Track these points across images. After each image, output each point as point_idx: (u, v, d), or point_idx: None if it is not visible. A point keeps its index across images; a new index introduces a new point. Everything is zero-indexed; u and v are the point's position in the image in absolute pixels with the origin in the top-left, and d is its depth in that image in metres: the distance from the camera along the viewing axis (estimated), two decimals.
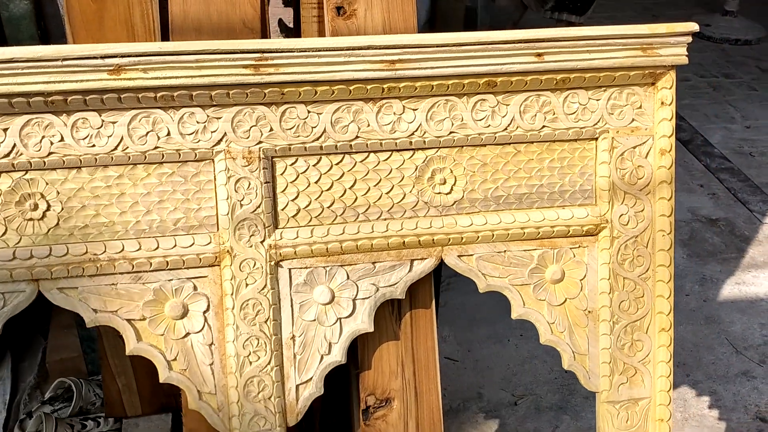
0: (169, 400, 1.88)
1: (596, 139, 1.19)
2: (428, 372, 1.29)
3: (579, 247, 1.23)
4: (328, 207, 1.15)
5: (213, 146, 1.09)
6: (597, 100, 1.17)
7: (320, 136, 1.11)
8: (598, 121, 1.18)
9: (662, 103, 1.18)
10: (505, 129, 1.16)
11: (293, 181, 1.13)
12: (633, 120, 1.19)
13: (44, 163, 1.05)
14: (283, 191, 1.13)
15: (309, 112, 1.10)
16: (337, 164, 1.14)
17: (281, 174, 1.12)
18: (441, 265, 2.31)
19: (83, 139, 1.05)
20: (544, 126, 1.17)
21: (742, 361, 2.32)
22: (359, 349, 1.26)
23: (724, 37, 4.86)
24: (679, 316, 2.49)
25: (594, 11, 5.03)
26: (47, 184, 1.06)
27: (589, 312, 1.24)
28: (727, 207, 3.14)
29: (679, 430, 2.07)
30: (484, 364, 2.26)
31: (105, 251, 1.09)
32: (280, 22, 1.63)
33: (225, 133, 1.08)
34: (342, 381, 1.43)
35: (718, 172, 3.40)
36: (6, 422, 1.88)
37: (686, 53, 1.15)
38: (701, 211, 3.11)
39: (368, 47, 1.07)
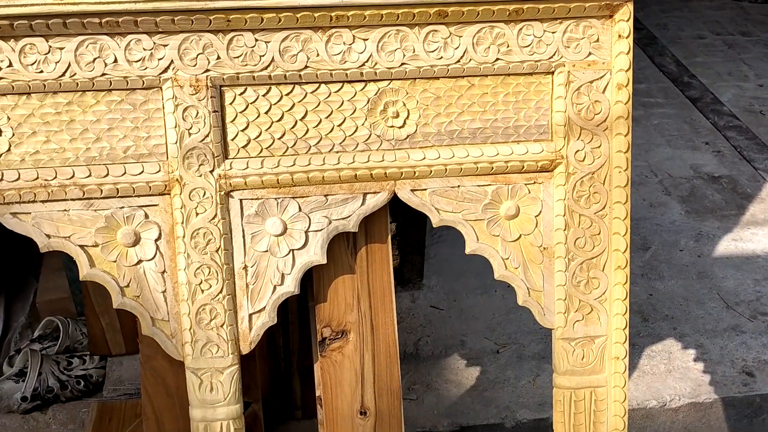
0: None
1: (552, 73, 1.17)
2: (384, 306, 1.30)
3: (534, 183, 1.22)
4: (279, 138, 1.15)
5: (160, 74, 1.09)
6: (552, 32, 1.15)
7: (268, 65, 1.11)
8: (554, 55, 1.16)
9: (619, 36, 1.16)
10: (458, 61, 1.15)
11: (242, 111, 1.13)
12: (590, 54, 1.17)
13: None
14: (232, 121, 1.14)
15: (257, 40, 1.10)
16: (287, 95, 1.14)
17: (230, 104, 1.13)
18: (427, 217, 2.31)
19: (31, 64, 1.06)
20: (498, 59, 1.16)
21: (733, 316, 2.30)
22: (314, 282, 1.27)
23: None
24: (671, 271, 2.48)
25: None
26: None
27: (544, 249, 1.24)
28: (732, 165, 3.09)
29: (662, 381, 2.06)
30: (469, 313, 2.27)
31: (56, 177, 1.11)
32: None
33: (172, 60, 1.09)
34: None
35: (725, 130, 3.34)
36: None
37: None
38: (704, 169, 3.06)
39: None
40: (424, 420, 1.91)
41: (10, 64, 1.06)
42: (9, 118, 1.08)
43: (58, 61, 1.07)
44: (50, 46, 1.06)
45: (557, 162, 1.20)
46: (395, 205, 2.28)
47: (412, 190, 1.20)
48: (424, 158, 1.19)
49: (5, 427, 1.74)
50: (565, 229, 1.23)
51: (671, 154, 3.16)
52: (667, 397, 2.01)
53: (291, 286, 1.21)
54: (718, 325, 2.26)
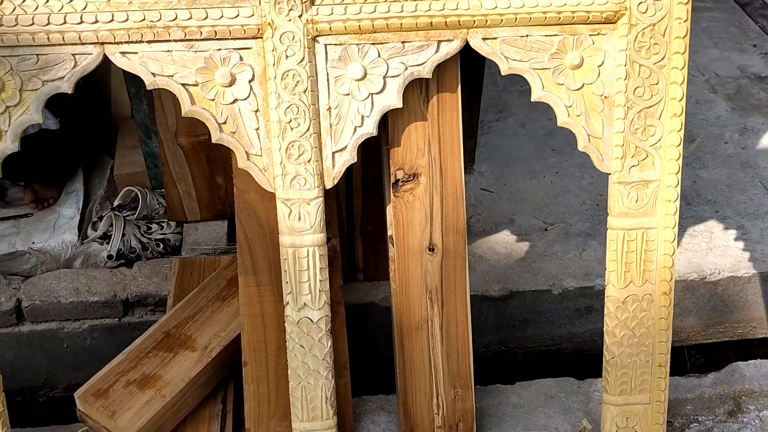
0: (225, 208, 2.06)
1: None
2: (453, 151, 1.40)
3: (598, 34, 1.30)
4: None
5: None
6: None
7: None
8: None
9: None
10: None
11: None
12: None
13: None
14: None
15: None
16: None
17: None
18: (480, 100, 2.35)
19: None
20: None
21: None
22: (389, 127, 1.38)
23: None
24: (715, 161, 2.54)
25: None
26: None
27: (605, 97, 1.33)
28: None
29: (703, 257, 2.16)
30: (518, 195, 2.37)
31: (160, 19, 1.22)
32: None
33: None
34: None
35: None
36: (80, 224, 2.09)
37: None
38: (751, 69, 3.08)
39: None
40: (477, 285, 2.04)
41: None
42: None
43: None
44: None
45: (621, 13, 1.28)
46: None
47: (483, 39, 1.29)
48: (496, 7, 1.27)
49: (96, 278, 1.91)
50: (625, 79, 1.31)
51: (718, 55, 3.17)
52: (708, 271, 2.11)
53: (370, 128, 1.32)
54: (759, 209, 2.33)
